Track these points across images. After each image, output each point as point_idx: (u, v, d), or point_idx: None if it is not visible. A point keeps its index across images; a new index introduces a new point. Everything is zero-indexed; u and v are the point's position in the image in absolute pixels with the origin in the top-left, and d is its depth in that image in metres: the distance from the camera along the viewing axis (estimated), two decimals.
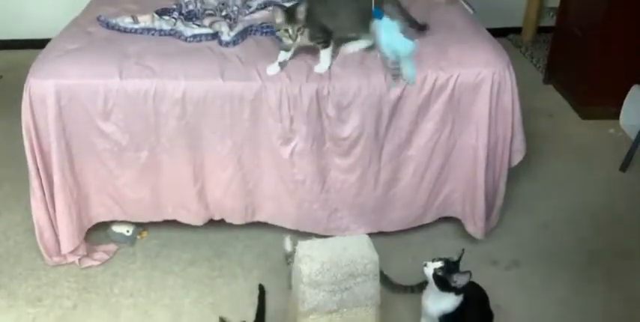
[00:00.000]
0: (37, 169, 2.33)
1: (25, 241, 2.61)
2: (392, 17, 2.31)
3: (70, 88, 2.26)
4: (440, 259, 2.00)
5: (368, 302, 2.07)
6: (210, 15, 2.68)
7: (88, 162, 2.38)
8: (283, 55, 2.29)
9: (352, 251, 2.03)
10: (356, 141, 2.36)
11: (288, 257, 2.31)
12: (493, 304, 2.13)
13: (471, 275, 1.95)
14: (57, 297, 2.37)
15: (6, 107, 2.77)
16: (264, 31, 2.53)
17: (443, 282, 1.97)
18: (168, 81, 2.26)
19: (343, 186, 2.45)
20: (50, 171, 2.34)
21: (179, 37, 2.49)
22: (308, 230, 2.51)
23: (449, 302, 1.99)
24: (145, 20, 2.58)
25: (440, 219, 2.61)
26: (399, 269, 2.39)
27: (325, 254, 2.02)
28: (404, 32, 2.29)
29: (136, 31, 2.53)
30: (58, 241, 2.44)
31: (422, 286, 2.14)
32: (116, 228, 2.61)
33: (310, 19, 2.24)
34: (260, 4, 2.77)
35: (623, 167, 3.10)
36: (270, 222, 2.56)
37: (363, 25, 2.33)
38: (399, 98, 2.30)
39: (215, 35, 2.49)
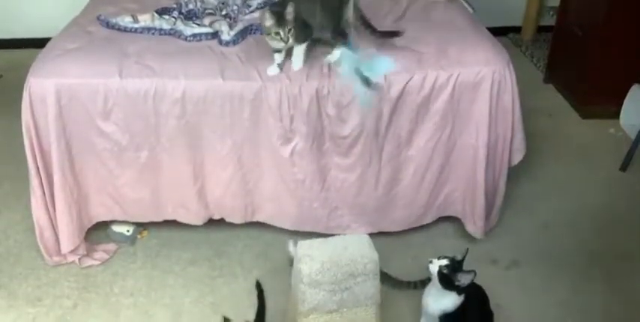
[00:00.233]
0: (37, 168, 2.33)
1: (25, 240, 2.61)
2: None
3: (70, 88, 2.26)
4: (445, 257, 1.99)
5: (368, 301, 2.07)
6: (210, 14, 2.68)
7: (88, 161, 2.38)
8: (278, 57, 2.28)
9: (352, 250, 2.03)
10: (356, 140, 2.36)
11: (293, 260, 2.30)
12: (493, 303, 2.13)
13: (475, 274, 1.94)
14: (57, 297, 2.37)
15: (6, 106, 2.77)
16: None
17: (447, 280, 1.97)
18: (168, 81, 2.26)
19: (343, 185, 2.45)
20: (50, 171, 2.34)
21: (179, 37, 2.49)
22: (308, 229, 2.51)
23: (450, 301, 1.99)
24: (145, 19, 2.58)
25: (440, 218, 2.61)
26: (400, 269, 2.39)
27: (325, 253, 2.02)
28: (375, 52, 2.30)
29: (135, 31, 2.53)
30: (58, 240, 2.44)
31: (424, 282, 2.14)
32: (116, 228, 2.61)
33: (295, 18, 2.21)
34: (260, 4, 2.76)
35: (624, 167, 3.10)
36: (269, 222, 2.56)
37: (335, 27, 2.32)
38: (399, 97, 2.30)
39: (215, 34, 2.49)
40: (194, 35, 2.48)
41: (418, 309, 2.12)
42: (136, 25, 2.55)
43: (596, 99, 3.46)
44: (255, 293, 2.30)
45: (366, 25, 2.39)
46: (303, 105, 2.28)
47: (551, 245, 2.62)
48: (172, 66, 2.30)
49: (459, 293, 1.99)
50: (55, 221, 2.42)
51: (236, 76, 2.28)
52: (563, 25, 3.71)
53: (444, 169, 2.46)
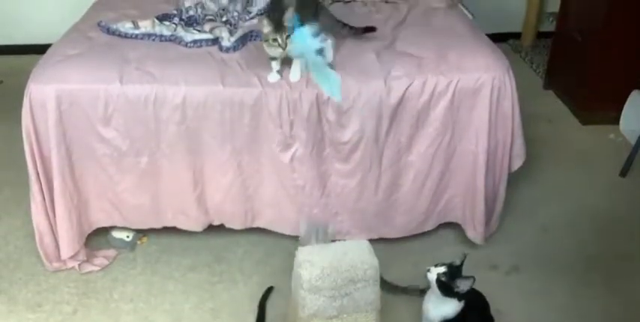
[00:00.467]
0: (37, 174, 2.33)
1: (25, 246, 2.61)
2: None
3: (70, 93, 2.26)
4: (443, 264, 1.99)
5: (368, 307, 2.07)
6: (210, 20, 2.69)
7: (88, 167, 2.38)
8: (275, 65, 2.29)
9: (352, 256, 2.03)
10: (356, 145, 2.36)
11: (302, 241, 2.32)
12: (493, 309, 2.13)
13: (474, 280, 1.94)
14: (57, 303, 2.37)
15: (6, 112, 2.78)
16: None
17: (446, 288, 1.96)
18: (169, 87, 2.27)
19: (343, 190, 2.45)
20: (50, 176, 2.34)
21: (179, 43, 2.50)
22: None
23: (450, 307, 1.99)
24: (145, 26, 2.58)
25: (440, 225, 2.60)
26: (400, 275, 2.39)
27: (325, 259, 2.02)
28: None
29: (136, 37, 2.54)
30: (58, 246, 2.44)
31: (423, 290, 2.14)
32: (116, 234, 2.60)
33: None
34: (260, 10, 2.76)
35: (623, 172, 3.10)
36: (269, 228, 2.55)
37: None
38: (399, 103, 2.30)
39: (215, 41, 2.50)
40: (194, 41, 2.49)
41: (418, 315, 2.12)
42: (136, 31, 2.55)
43: (595, 105, 3.47)
44: (257, 298, 2.31)
45: (342, 24, 2.42)
46: (303, 111, 2.28)
47: (552, 251, 2.62)
48: (173, 72, 2.30)
49: (459, 300, 1.98)
50: (55, 227, 2.42)
51: (236, 82, 2.29)
52: (563, 30, 3.72)
53: (444, 175, 2.46)
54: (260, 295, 2.34)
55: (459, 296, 1.97)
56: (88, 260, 2.52)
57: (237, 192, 2.44)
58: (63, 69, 2.32)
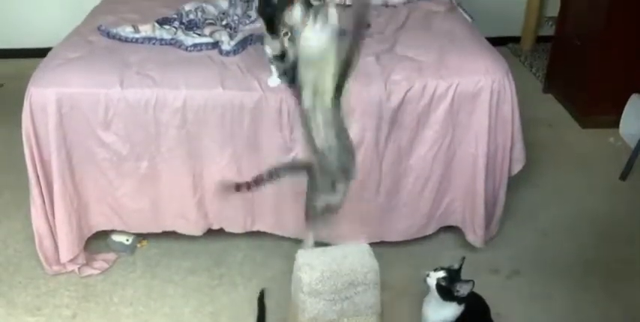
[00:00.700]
0: (37, 177, 2.33)
1: (24, 249, 2.61)
2: None
3: (70, 97, 2.26)
4: (441, 268, 1.99)
5: (368, 311, 2.06)
6: (210, 24, 2.69)
7: (88, 171, 2.38)
8: (275, 69, 2.29)
9: (352, 259, 2.03)
10: (356, 149, 2.35)
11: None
12: (493, 312, 2.12)
13: (473, 284, 1.94)
14: (56, 306, 2.37)
15: (7, 115, 2.78)
16: None
17: (446, 292, 1.96)
18: (169, 91, 2.27)
19: None
20: (50, 180, 2.34)
21: (179, 47, 2.50)
22: None
23: (450, 311, 1.99)
24: (145, 29, 2.59)
25: (440, 228, 2.60)
26: (400, 279, 2.38)
27: (325, 262, 2.01)
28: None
29: (136, 41, 2.54)
30: (57, 249, 2.44)
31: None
32: (116, 237, 2.60)
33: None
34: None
35: (623, 176, 3.10)
36: (269, 231, 2.55)
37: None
38: (399, 106, 2.30)
39: (215, 44, 2.50)
40: (194, 45, 2.49)
41: (419, 319, 2.12)
42: (136, 35, 2.56)
43: (595, 109, 3.47)
44: (255, 301, 2.31)
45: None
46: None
47: (552, 254, 2.62)
48: (173, 75, 2.30)
49: (459, 303, 1.98)
50: (55, 230, 2.42)
51: (236, 86, 2.29)
52: (562, 34, 3.73)
53: (444, 179, 2.46)
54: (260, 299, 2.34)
55: (458, 299, 1.97)
56: (88, 263, 2.51)
57: (237, 195, 2.43)
58: (63, 73, 2.33)
